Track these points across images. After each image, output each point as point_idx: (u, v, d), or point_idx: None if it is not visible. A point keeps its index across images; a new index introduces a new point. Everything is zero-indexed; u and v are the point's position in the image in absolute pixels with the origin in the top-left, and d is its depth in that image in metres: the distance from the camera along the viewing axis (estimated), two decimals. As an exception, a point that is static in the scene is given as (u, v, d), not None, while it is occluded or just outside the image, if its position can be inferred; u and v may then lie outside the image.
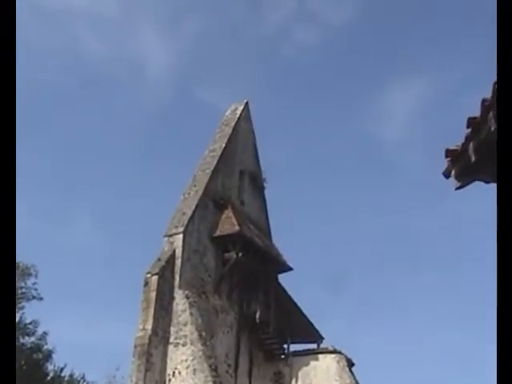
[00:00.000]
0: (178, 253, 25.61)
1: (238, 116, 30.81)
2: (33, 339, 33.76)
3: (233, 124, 30.39)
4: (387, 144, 65.96)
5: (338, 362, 27.66)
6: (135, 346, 23.65)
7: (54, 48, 62.45)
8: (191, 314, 24.56)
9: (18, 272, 31.45)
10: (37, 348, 33.47)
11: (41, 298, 34.64)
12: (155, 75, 67.46)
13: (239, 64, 66.09)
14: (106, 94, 66.62)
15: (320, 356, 28.13)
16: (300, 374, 27.99)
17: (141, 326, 23.98)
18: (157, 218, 55.73)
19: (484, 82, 6.43)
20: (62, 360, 36.27)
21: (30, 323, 33.75)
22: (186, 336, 24.17)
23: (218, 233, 27.15)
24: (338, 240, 58.75)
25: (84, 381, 34.74)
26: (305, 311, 29.61)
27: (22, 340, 32.75)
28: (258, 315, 27.75)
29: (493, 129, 6.34)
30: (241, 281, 27.54)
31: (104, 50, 66.15)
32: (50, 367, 33.50)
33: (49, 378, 33.01)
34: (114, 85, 65.27)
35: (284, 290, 29.39)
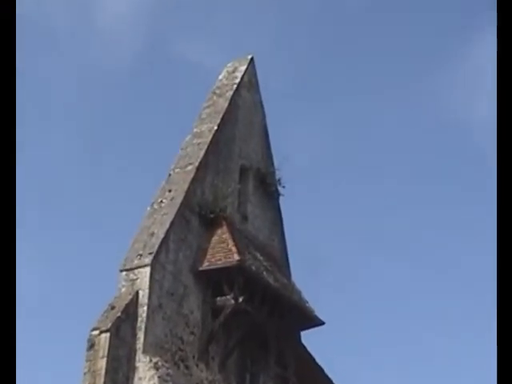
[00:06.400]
0: (143, 297, 21.45)
1: (238, 81, 26.26)
2: None
3: (230, 94, 25.94)
4: (478, 127, 49.61)
5: None
6: None
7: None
8: (163, 394, 21.90)
9: None
10: None
11: None
12: (112, 24, 54.03)
13: (242, 3, 53.62)
14: (36, 55, 52.67)
15: None
16: None
17: (83, 414, 21.29)
18: (110, 243, 43.93)
19: None
20: None
21: None
22: (153, 430, 21.92)
23: (206, 265, 22.83)
24: (394, 271, 46.90)
25: None
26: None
27: None
28: (269, 395, 24.22)
29: None
30: (242, 341, 23.27)
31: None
32: None
33: None
34: (49, 39, 50.81)
35: (310, 356, 24.62)
